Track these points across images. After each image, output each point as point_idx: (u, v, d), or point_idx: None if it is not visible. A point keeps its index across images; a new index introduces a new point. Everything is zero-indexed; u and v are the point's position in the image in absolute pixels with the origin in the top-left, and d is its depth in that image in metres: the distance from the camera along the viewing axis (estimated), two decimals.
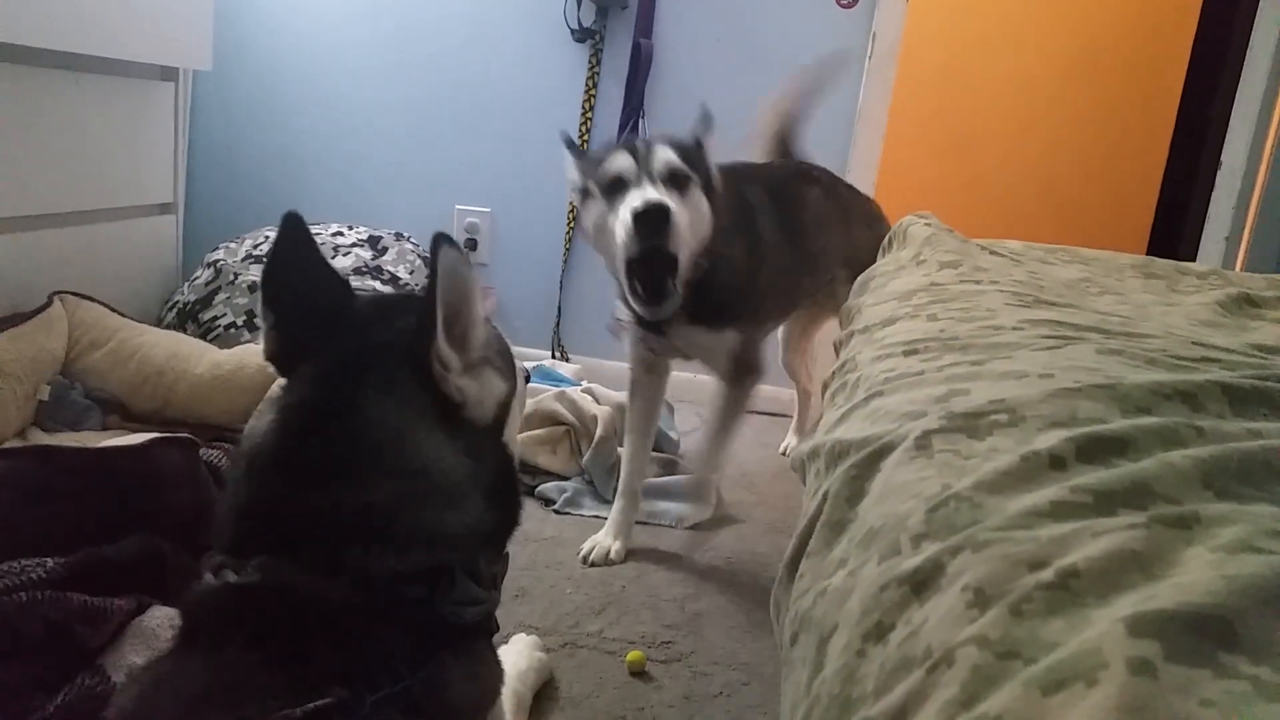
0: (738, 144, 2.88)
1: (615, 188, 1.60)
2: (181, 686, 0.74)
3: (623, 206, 1.57)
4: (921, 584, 0.66)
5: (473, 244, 3.02)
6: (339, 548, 0.78)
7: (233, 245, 2.62)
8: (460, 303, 0.85)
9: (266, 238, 2.58)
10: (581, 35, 2.84)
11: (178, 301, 2.49)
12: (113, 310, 2.12)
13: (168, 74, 2.53)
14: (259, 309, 0.93)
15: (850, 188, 2.29)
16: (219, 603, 0.77)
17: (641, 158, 1.61)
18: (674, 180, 1.61)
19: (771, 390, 3.01)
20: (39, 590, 1.11)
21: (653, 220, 1.53)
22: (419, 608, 0.81)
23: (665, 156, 1.62)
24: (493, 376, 0.93)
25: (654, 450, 2.37)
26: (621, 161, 1.60)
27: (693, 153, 1.69)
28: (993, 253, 1.76)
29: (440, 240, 0.83)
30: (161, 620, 1.19)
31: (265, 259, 0.90)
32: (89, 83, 2.20)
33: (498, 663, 0.95)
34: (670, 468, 2.36)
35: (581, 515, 2.07)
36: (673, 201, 1.57)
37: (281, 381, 0.88)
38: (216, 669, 0.73)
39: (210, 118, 3.00)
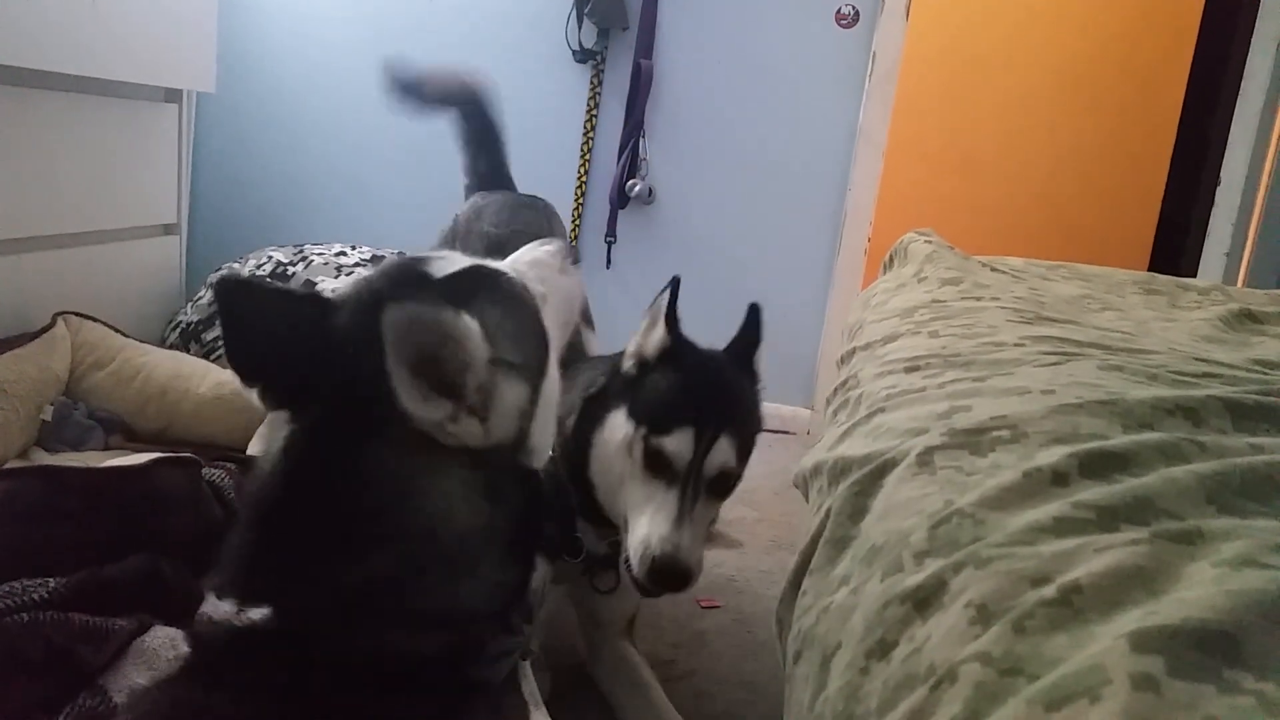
0: (742, 166, 2.93)
1: (655, 461, 1.19)
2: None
3: (645, 520, 1.18)
4: (924, 601, 0.66)
5: None
6: (349, 624, 0.72)
7: (236, 265, 2.63)
8: (433, 354, 0.72)
9: (270, 258, 2.58)
10: (583, 56, 2.86)
11: (181, 322, 2.49)
12: (116, 331, 2.13)
13: (171, 96, 2.54)
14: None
15: None
16: (235, 643, 0.72)
17: (701, 447, 1.18)
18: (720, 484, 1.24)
19: (773, 407, 3.02)
20: (40, 611, 1.11)
21: (673, 583, 1.17)
22: (444, 675, 0.76)
23: (724, 459, 1.21)
24: (509, 384, 0.78)
25: None
26: (681, 444, 1.18)
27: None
28: (994, 269, 1.76)
29: (381, 303, 0.72)
30: (163, 641, 1.18)
31: (223, 337, 0.81)
32: (93, 105, 2.21)
33: (522, 704, 0.93)
34: None
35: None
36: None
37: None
38: (233, 710, 0.70)
39: (214, 139, 3.01)
